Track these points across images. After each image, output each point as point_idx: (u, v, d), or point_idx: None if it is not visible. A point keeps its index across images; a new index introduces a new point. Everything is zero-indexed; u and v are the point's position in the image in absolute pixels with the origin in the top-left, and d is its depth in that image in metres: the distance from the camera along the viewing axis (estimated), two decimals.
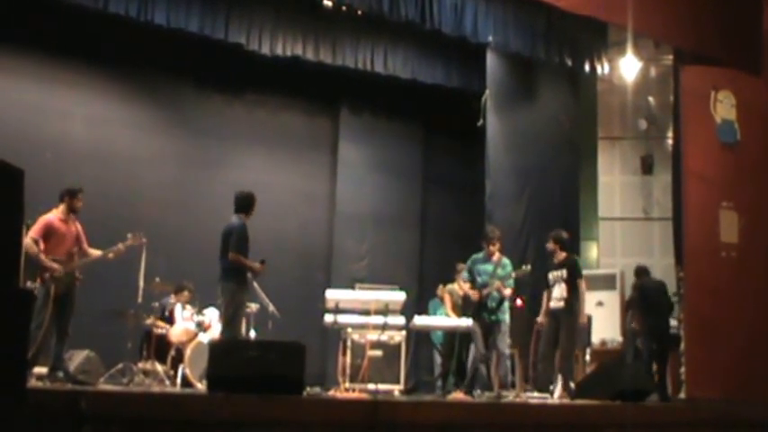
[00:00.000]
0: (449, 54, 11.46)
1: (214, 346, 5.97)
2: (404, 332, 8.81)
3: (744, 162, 8.53)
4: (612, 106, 12.51)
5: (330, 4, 10.30)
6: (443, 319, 9.13)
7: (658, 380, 8.87)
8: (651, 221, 12.16)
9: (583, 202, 11.65)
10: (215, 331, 8.89)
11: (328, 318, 8.38)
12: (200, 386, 8.17)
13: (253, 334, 8.76)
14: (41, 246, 7.13)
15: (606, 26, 10.31)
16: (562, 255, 8.33)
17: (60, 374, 7.07)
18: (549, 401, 7.61)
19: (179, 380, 8.48)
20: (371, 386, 8.24)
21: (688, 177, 8.41)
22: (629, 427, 5.79)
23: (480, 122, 10.93)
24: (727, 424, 6.25)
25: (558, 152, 11.39)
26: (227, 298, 7.45)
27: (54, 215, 7.34)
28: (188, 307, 9.12)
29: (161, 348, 8.74)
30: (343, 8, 10.25)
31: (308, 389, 6.48)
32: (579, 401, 6.66)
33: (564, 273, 8.12)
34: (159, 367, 8.45)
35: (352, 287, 9.84)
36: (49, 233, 7.23)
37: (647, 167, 12.37)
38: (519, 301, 9.00)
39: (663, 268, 11.20)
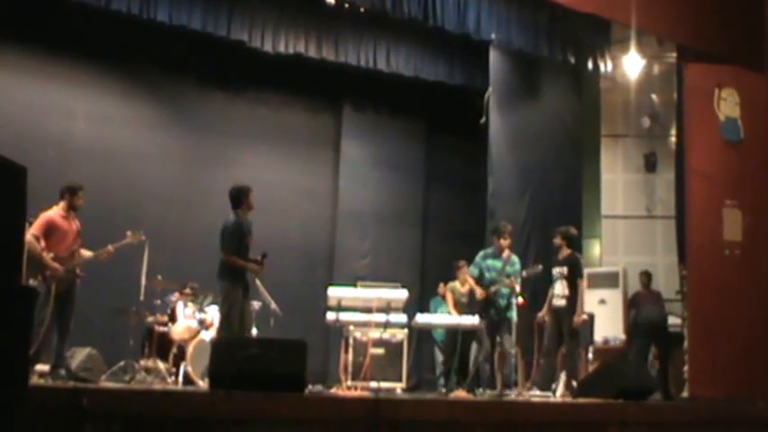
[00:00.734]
0: (452, 51, 11.45)
1: (216, 344, 5.97)
2: (406, 330, 8.78)
3: (747, 160, 8.49)
4: (615, 104, 12.47)
5: (333, 1, 10.28)
6: (445, 317, 9.12)
7: (660, 378, 8.87)
8: (654, 219, 12.12)
9: (585, 200, 11.63)
10: (216, 329, 8.88)
11: (330, 315, 8.36)
12: (202, 384, 8.17)
13: (255, 331, 8.76)
14: (43, 243, 7.13)
15: (609, 23, 10.30)
16: (567, 251, 8.34)
17: (62, 372, 7.07)
18: (552, 400, 7.60)
19: (181, 377, 8.48)
20: (373, 384, 8.22)
21: (691, 175, 8.38)
22: (631, 426, 5.77)
23: (483, 120, 10.91)
24: (730, 422, 6.23)
25: (560, 150, 11.38)
26: (222, 296, 7.37)
27: (55, 212, 7.33)
28: (190, 305, 9.12)
29: (163, 346, 8.74)
30: (346, 5, 10.24)
31: (310, 387, 6.47)
32: (581, 400, 6.64)
33: (565, 270, 8.13)
34: (161, 365, 8.44)
35: (355, 285, 9.82)
36: (50, 230, 7.22)
37: (650, 165, 12.32)
38: (520, 299, 8.96)
39: (666, 266, 11.18)
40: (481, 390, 8.07)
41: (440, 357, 9.86)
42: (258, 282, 8.29)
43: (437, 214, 12.49)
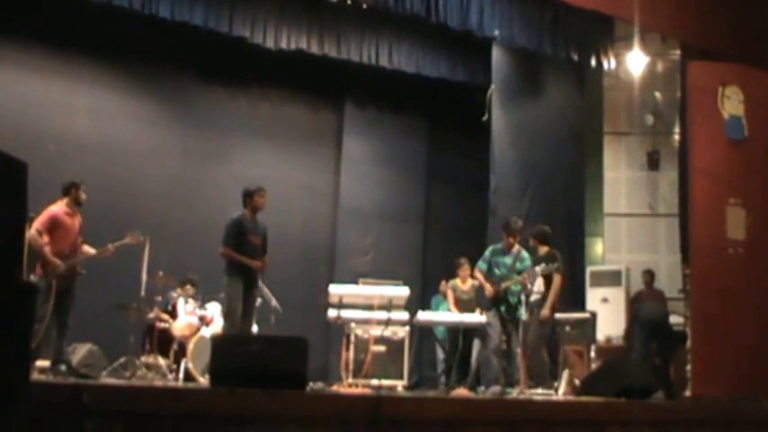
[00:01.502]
0: (454, 48, 11.41)
1: (217, 341, 5.95)
2: (407, 327, 8.77)
3: (751, 158, 8.45)
4: (619, 101, 12.44)
5: None
6: (447, 315, 9.10)
7: (663, 377, 8.84)
8: (657, 218, 12.10)
9: (588, 198, 11.61)
10: (218, 325, 8.89)
11: (331, 313, 8.36)
12: (203, 380, 8.15)
13: (255, 328, 8.74)
14: (45, 238, 7.11)
15: (613, 21, 10.25)
16: (544, 249, 8.35)
17: (63, 368, 7.07)
18: (554, 398, 7.57)
19: (181, 374, 8.47)
20: (374, 382, 8.21)
21: (695, 173, 8.35)
22: (633, 425, 5.75)
23: (485, 117, 10.87)
24: (733, 422, 6.20)
25: (563, 147, 11.34)
26: (223, 292, 7.54)
27: (59, 208, 7.32)
28: (191, 301, 9.11)
29: (164, 342, 8.73)
30: (348, 1, 10.21)
31: (311, 384, 6.45)
32: (584, 398, 6.61)
33: (537, 269, 8.12)
34: (162, 361, 8.44)
35: (356, 282, 9.83)
36: (54, 226, 7.22)
37: (653, 163, 12.30)
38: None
39: (668, 265, 11.17)
40: (482, 387, 8.04)
41: (441, 355, 9.84)
42: (259, 278, 8.27)
43: (439, 211, 12.47)
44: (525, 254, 8.21)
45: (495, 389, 7.53)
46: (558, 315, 9.01)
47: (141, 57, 10.52)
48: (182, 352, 8.69)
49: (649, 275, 10.67)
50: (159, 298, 8.86)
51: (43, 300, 6.89)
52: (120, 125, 10.56)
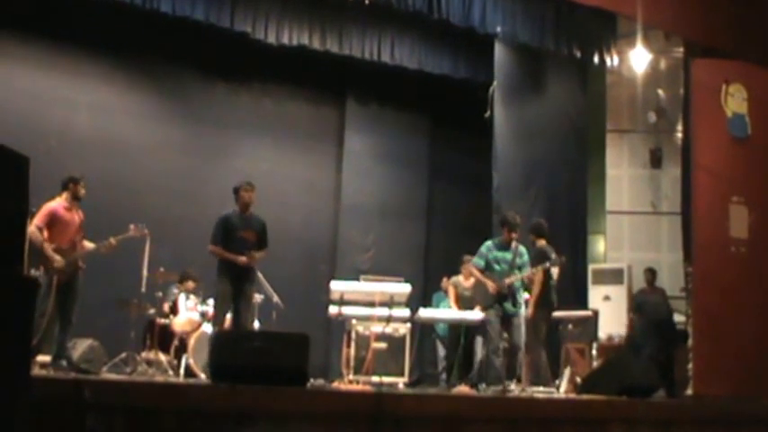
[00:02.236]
0: (456, 44, 11.38)
1: (217, 337, 5.95)
2: (408, 324, 8.76)
3: (755, 156, 8.42)
4: (621, 99, 12.40)
5: None
6: (448, 312, 9.09)
7: (665, 376, 8.83)
8: (659, 215, 12.06)
9: (590, 196, 11.57)
10: None
11: (333, 309, 8.35)
12: (204, 376, 8.14)
13: (257, 324, 8.74)
14: (45, 234, 7.11)
15: (616, 18, 10.22)
16: (540, 242, 8.42)
17: (64, 363, 7.07)
18: (555, 396, 7.56)
19: (182, 370, 8.46)
20: (375, 378, 8.20)
21: (697, 171, 8.32)
22: (635, 423, 5.74)
23: (488, 114, 10.86)
24: (735, 421, 6.19)
25: (565, 145, 11.32)
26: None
27: (58, 203, 7.31)
28: (192, 297, 9.10)
29: (164, 338, 8.72)
30: None
31: (312, 380, 6.44)
32: (585, 396, 6.60)
33: (547, 264, 8.12)
34: (162, 357, 8.43)
35: (357, 279, 9.80)
36: (53, 221, 7.21)
37: (655, 161, 12.26)
38: (526, 294, 8.92)
39: (671, 263, 11.14)
40: (484, 385, 8.02)
41: (442, 352, 9.83)
42: (260, 275, 8.27)
43: (441, 208, 12.45)
44: (523, 249, 8.16)
45: (497, 388, 7.50)
46: (559, 313, 9.01)
47: (143, 52, 10.51)
48: (182, 348, 8.68)
49: (651, 274, 10.66)
50: (160, 294, 8.86)
51: (45, 295, 6.89)
52: (122, 121, 10.55)
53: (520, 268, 7.96)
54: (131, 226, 7.78)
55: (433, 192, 12.48)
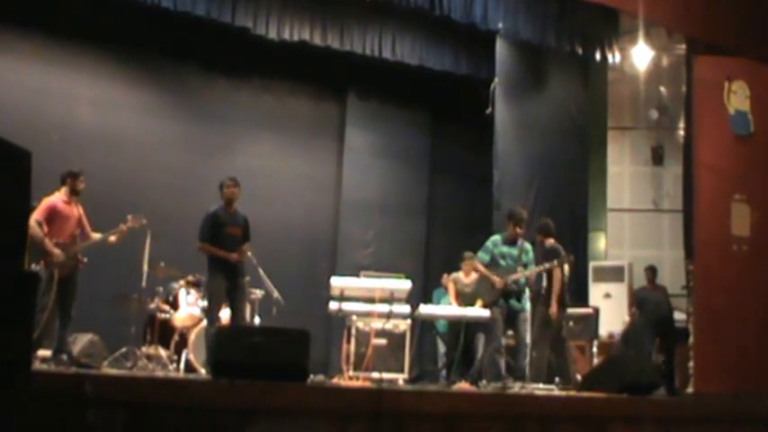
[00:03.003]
0: (458, 41, 11.36)
1: (218, 333, 5.94)
2: (409, 321, 8.74)
3: (757, 154, 8.39)
4: (623, 96, 12.39)
5: None
6: (449, 308, 9.07)
7: (666, 373, 8.83)
8: (661, 213, 12.06)
9: (591, 193, 11.57)
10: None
11: (333, 305, 8.32)
12: (204, 371, 8.14)
13: (257, 320, 8.73)
14: (45, 228, 7.10)
15: (618, 14, 10.22)
16: (548, 242, 8.36)
17: (64, 357, 7.07)
18: (556, 393, 7.55)
19: (182, 365, 8.45)
20: (375, 375, 8.18)
21: (699, 169, 8.29)
22: (636, 421, 5.73)
23: (489, 110, 10.83)
24: (736, 419, 6.18)
25: (567, 141, 11.30)
26: (204, 289, 7.56)
27: (57, 198, 7.31)
28: (192, 292, 9.08)
29: (165, 333, 8.71)
30: None
31: (312, 376, 6.43)
32: (585, 394, 6.59)
33: (555, 262, 8.08)
34: (163, 352, 8.43)
35: (358, 275, 9.80)
36: (52, 216, 7.20)
37: (657, 158, 12.26)
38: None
39: (672, 261, 11.13)
40: (484, 382, 8.01)
41: (442, 349, 9.82)
42: (260, 270, 8.25)
43: (441, 205, 12.44)
44: (529, 245, 8.13)
45: (497, 384, 7.49)
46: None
47: (144, 47, 10.50)
48: (183, 343, 8.67)
49: (651, 272, 10.64)
50: (161, 289, 8.85)
51: (45, 289, 6.89)
52: (123, 115, 10.54)
53: (525, 265, 7.93)
54: (129, 216, 7.74)
55: (434, 188, 12.46)
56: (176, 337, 8.73)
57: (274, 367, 4.87)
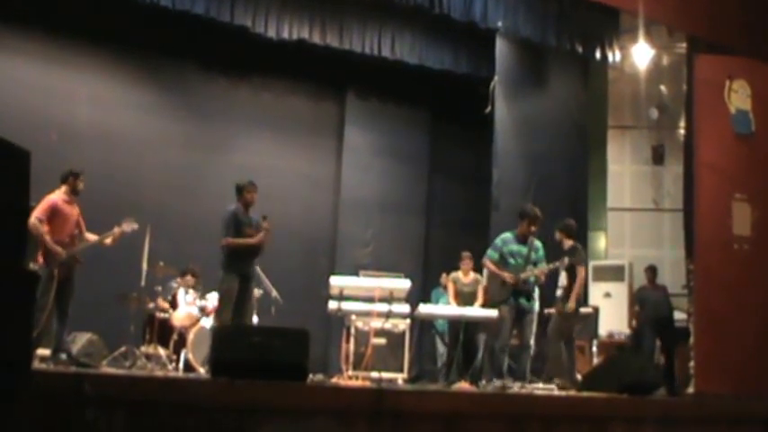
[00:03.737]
0: (457, 39, 11.33)
1: (217, 332, 5.92)
2: (408, 320, 8.73)
3: (758, 153, 8.35)
4: (623, 95, 12.38)
5: None
6: (448, 308, 9.06)
7: (666, 373, 8.82)
8: (661, 212, 12.06)
9: (592, 192, 11.55)
10: None
11: (332, 304, 8.31)
12: (203, 371, 8.13)
13: (256, 320, 8.71)
14: (45, 227, 7.08)
15: (618, 13, 10.18)
16: (568, 243, 8.29)
17: (63, 356, 7.06)
18: (556, 393, 7.54)
19: (181, 364, 8.44)
20: (375, 374, 8.17)
21: (700, 168, 8.27)
22: (635, 421, 5.71)
23: (488, 109, 10.82)
24: (736, 419, 6.16)
25: (567, 140, 11.27)
26: (219, 287, 7.59)
27: (58, 196, 7.29)
28: (191, 291, 9.09)
29: (164, 332, 8.72)
30: None
31: (311, 376, 6.42)
32: (585, 394, 6.57)
33: (566, 260, 8.03)
34: (162, 351, 8.43)
35: (357, 274, 9.77)
36: (53, 214, 7.19)
37: (657, 157, 12.25)
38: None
39: (673, 260, 11.13)
40: (484, 381, 8.00)
41: (441, 348, 9.81)
42: (259, 269, 8.24)
43: (441, 204, 12.42)
44: (539, 243, 8.09)
45: (498, 383, 7.47)
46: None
47: (143, 45, 10.48)
48: (182, 342, 8.67)
49: (651, 272, 10.63)
50: (159, 288, 8.84)
51: (45, 289, 6.87)
52: (122, 114, 10.53)
53: (535, 263, 7.90)
54: (123, 221, 7.67)
55: (433, 187, 12.45)
56: (175, 337, 8.74)
57: (274, 367, 4.85)
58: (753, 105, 8.38)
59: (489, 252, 8.11)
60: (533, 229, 7.98)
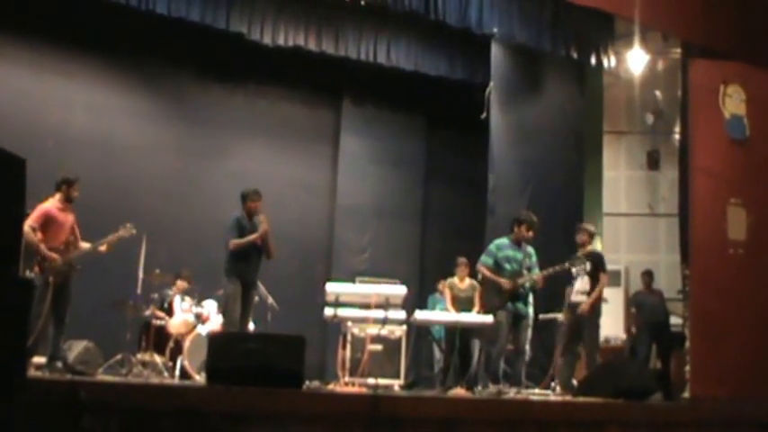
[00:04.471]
0: (453, 45, 11.35)
1: (213, 339, 5.92)
2: (404, 326, 8.73)
3: (753, 158, 8.39)
4: (619, 100, 12.40)
5: None
6: (444, 314, 9.06)
7: (662, 378, 8.81)
8: (657, 217, 12.07)
9: (587, 197, 11.55)
10: (214, 323, 8.86)
11: (328, 311, 8.30)
12: (199, 378, 8.12)
13: (252, 326, 8.70)
14: (39, 235, 7.07)
15: (613, 18, 10.18)
16: (589, 248, 8.28)
17: (59, 364, 7.03)
18: (552, 398, 7.54)
19: (177, 372, 8.43)
20: (371, 380, 8.17)
21: (695, 173, 8.29)
22: (631, 426, 5.73)
23: (484, 115, 10.82)
24: (732, 423, 6.18)
25: (562, 146, 11.28)
26: (223, 291, 7.62)
27: (52, 204, 7.27)
28: (187, 298, 9.08)
29: (160, 340, 8.70)
30: None
31: (308, 382, 6.42)
32: (581, 399, 6.59)
33: (588, 265, 8.02)
34: (158, 359, 8.41)
35: (353, 280, 9.78)
36: (47, 222, 7.17)
37: (653, 162, 12.27)
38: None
39: (668, 265, 11.12)
40: (480, 387, 8.00)
41: (438, 354, 9.80)
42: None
43: (437, 210, 12.43)
44: (532, 250, 8.11)
45: (493, 389, 7.47)
46: (556, 315, 9.01)
47: (138, 53, 10.49)
48: (178, 349, 8.66)
49: (648, 277, 10.64)
50: (156, 295, 8.83)
51: (40, 297, 6.84)
52: (118, 121, 10.53)
53: (529, 269, 7.91)
54: (120, 227, 7.69)
55: (429, 193, 12.45)
56: (171, 344, 8.72)
57: (270, 373, 4.86)
58: (747, 110, 8.41)
59: (483, 258, 8.11)
60: (530, 234, 7.98)
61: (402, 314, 8.41)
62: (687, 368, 8.16)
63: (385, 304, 8.30)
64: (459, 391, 7.77)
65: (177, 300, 9.08)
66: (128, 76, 10.68)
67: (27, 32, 9.77)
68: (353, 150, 11.96)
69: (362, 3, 10.13)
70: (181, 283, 9.18)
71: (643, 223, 12.17)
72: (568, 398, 7.25)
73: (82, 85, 10.33)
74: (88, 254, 7.48)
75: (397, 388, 8.37)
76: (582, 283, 8.05)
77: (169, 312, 9.01)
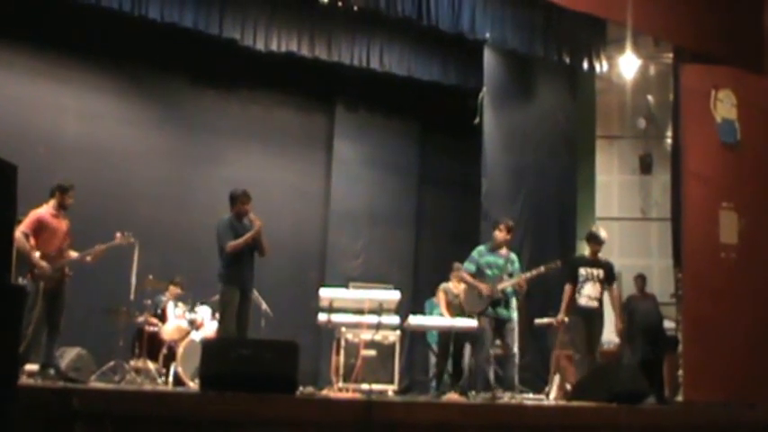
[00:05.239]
0: (446, 51, 11.38)
1: (207, 345, 5.91)
2: (398, 332, 8.72)
3: (744, 162, 8.42)
4: (611, 105, 12.43)
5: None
6: (438, 319, 9.05)
7: (655, 382, 8.82)
8: (649, 222, 12.09)
9: (580, 202, 11.57)
10: (207, 329, 8.84)
11: (322, 316, 8.29)
12: (192, 384, 8.10)
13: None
14: (32, 241, 7.05)
15: (605, 23, 10.25)
16: (599, 256, 8.34)
17: (52, 371, 7.01)
18: (545, 403, 7.55)
19: (171, 378, 8.41)
20: (365, 386, 8.15)
21: (687, 177, 8.31)
22: (624, 430, 5.73)
23: (477, 120, 10.84)
24: (725, 427, 6.20)
25: (555, 151, 11.32)
26: (219, 298, 7.51)
27: (45, 210, 7.26)
28: (180, 305, 9.06)
29: (153, 346, 8.68)
30: (339, 3, 10.17)
31: (301, 388, 6.41)
32: (575, 403, 6.59)
33: (601, 273, 8.07)
34: (151, 365, 8.39)
35: (347, 286, 9.76)
36: (40, 228, 7.15)
37: (645, 167, 12.29)
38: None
39: (661, 269, 11.14)
40: (474, 392, 7.99)
41: (433, 359, 9.79)
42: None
43: (430, 215, 12.44)
44: (514, 256, 8.15)
45: (487, 394, 7.46)
46: (548, 319, 9.03)
47: (131, 59, 10.48)
48: (171, 356, 8.64)
49: (641, 280, 10.65)
50: (149, 302, 8.81)
51: (32, 303, 6.82)
52: (111, 127, 10.51)
53: (511, 274, 7.93)
54: (117, 234, 7.71)
55: (423, 198, 12.47)
56: (165, 351, 8.70)
57: (263, 379, 4.85)
58: (738, 114, 8.44)
59: (466, 264, 8.14)
60: (508, 237, 8.04)
61: (396, 319, 8.41)
62: (680, 372, 8.18)
63: (379, 309, 8.29)
64: (452, 397, 7.77)
65: (170, 306, 9.06)
66: (120, 82, 10.67)
67: (19, 38, 9.76)
68: (347, 156, 11.96)
69: (355, 8, 10.15)
70: (174, 290, 9.17)
71: (636, 227, 12.19)
72: (562, 402, 7.26)
73: (74, 91, 10.31)
74: (79, 261, 7.45)
75: (390, 393, 8.35)
76: (593, 289, 8.10)
77: (162, 319, 9.00)
